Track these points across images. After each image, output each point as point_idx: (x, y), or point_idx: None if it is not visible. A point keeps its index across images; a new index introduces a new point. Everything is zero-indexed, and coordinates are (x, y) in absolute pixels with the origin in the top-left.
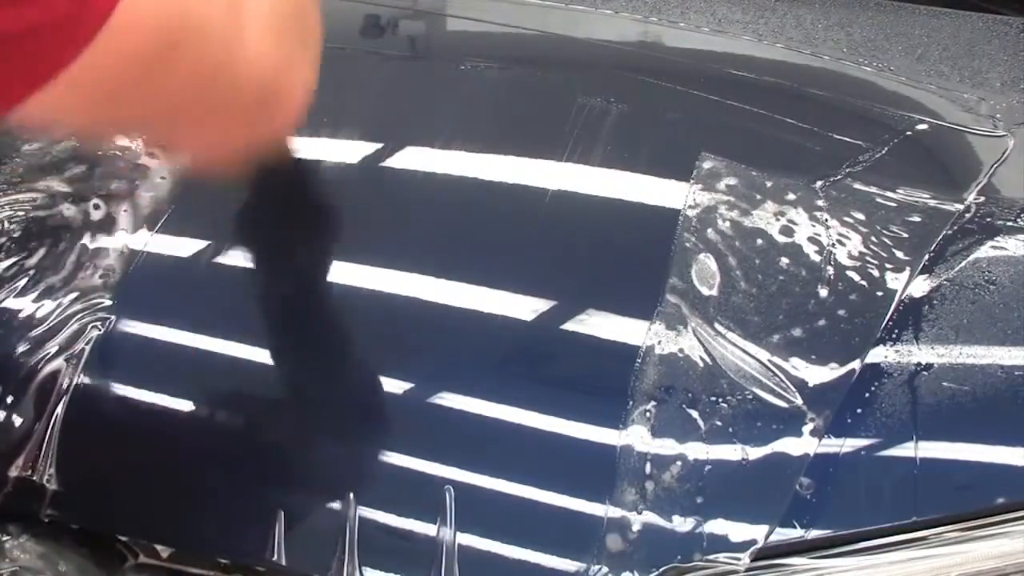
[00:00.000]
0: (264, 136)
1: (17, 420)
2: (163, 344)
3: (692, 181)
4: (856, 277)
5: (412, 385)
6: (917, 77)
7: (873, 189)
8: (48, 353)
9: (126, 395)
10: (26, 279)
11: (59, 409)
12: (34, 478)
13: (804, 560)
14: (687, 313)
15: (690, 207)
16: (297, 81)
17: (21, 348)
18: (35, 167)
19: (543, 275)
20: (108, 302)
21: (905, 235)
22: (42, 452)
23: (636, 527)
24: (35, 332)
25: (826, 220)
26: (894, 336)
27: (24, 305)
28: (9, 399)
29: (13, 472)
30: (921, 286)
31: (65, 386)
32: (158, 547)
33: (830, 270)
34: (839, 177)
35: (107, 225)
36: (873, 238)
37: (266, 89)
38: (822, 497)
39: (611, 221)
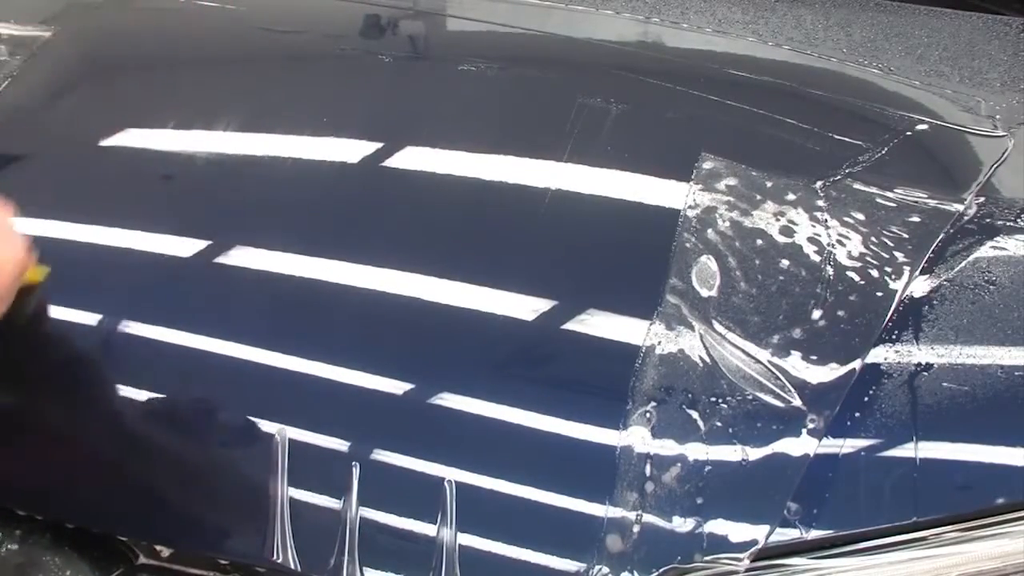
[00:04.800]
0: None
1: (19, 425)
2: (159, 344)
3: (692, 181)
4: (856, 277)
5: (412, 385)
6: (917, 77)
7: (873, 189)
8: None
9: (126, 396)
10: None
11: (54, 408)
12: (37, 479)
13: (804, 560)
14: (688, 314)
15: (690, 207)
16: None
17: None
18: None
19: (543, 275)
20: None
21: (905, 235)
22: (41, 452)
23: (636, 527)
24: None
25: (826, 220)
26: (894, 336)
27: None
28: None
29: (15, 473)
30: (921, 286)
31: (66, 389)
32: (158, 547)
33: (830, 270)
34: (839, 177)
35: None
36: (873, 238)
37: None
38: (822, 497)
39: (611, 221)
